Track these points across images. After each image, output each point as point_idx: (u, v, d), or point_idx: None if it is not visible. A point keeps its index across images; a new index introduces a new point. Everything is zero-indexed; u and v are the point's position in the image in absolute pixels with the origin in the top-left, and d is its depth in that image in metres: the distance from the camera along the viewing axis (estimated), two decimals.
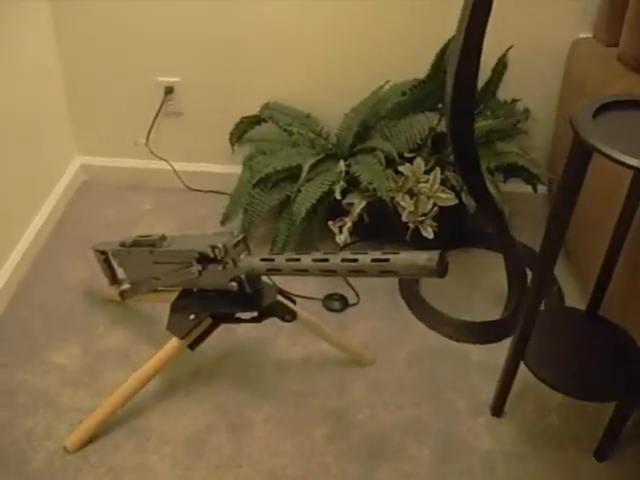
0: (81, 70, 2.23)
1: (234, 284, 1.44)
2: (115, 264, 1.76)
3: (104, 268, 1.79)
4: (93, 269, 1.84)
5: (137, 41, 2.15)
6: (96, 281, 1.89)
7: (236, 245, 1.44)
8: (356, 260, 1.24)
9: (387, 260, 1.21)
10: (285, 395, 1.67)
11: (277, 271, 1.38)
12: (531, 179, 2.04)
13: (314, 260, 1.30)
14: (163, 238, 1.59)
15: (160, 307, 1.76)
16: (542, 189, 2.11)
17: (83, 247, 1.94)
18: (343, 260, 1.26)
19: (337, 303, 1.92)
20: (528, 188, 2.08)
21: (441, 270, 1.16)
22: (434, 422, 1.61)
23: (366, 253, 1.24)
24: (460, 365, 1.75)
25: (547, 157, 2.20)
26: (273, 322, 1.55)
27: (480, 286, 2.01)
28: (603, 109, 1.22)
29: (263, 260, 1.39)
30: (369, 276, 1.26)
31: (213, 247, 1.43)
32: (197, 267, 1.48)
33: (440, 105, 1.98)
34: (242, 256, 1.44)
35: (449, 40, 1.96)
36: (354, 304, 1.93)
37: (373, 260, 1.22)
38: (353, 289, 1.96)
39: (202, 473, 1.50)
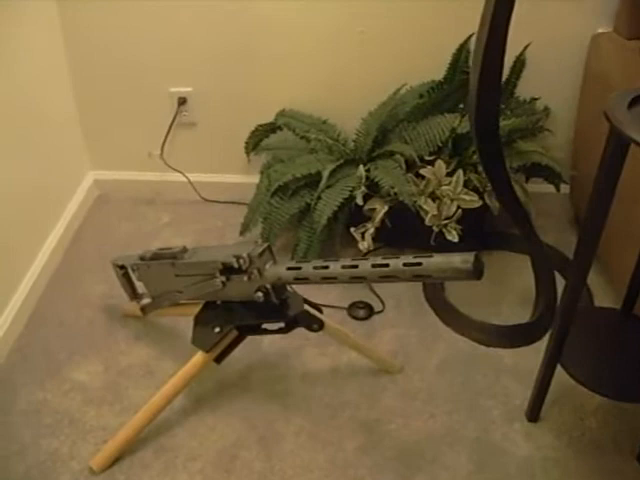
0: (92, 82, 2.21)
1: (260, 294, 1.40)
2: (134, 278, 1.72)
3: (123, 283, 1.76)
4: (112, 285, 1.81)
5: (149, 52, 2.13)
6: (115, 297, 1.87)
7: (261, 254, 1.39)
8: (387, 265, 1.20)
9: (420, 264, 1.17)
10: (315, 407, 1.63)
11: (304, 280, 1.33)
12: (553, 178, 2.01)
13: (343, 267, 1.26)
14: (184, 250, 1.56)
15: (181, 321, 1.74)
16: (564, 188, 2.07)
17: (100, 263, 1.91)
18: (374, 265, 1.22)
19: (362, 311, 1.87)
20: (550, 188, 2.05)
21: (477, 272, 1.11)
22: (469, 430, 1.57)
23: (397, 257, 1.20)
24: (492, 370, 1.71)
25: (568, 155, 2.16)
26: (298, 333, 1.51)
27: (506, 289, 1.96)
28: (637, 101, 1.18)
29: (289, 269, 1.35)
30: (401, 281, 1.22)
31: (238, 257, 1.38)
32: (221, 278, 1.44)
33: (461, 105, 1.95)
34: (267, 265, 1.39)
35: (465, 41, 1.95)
36: (379, 312, 1.89)
37: (405, 264, 1.18)
38: (378, 296, 1.92)
39: None
